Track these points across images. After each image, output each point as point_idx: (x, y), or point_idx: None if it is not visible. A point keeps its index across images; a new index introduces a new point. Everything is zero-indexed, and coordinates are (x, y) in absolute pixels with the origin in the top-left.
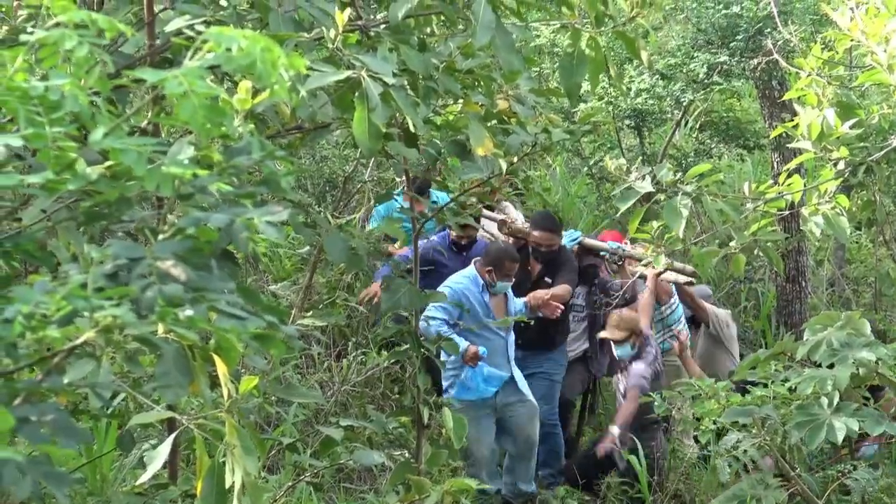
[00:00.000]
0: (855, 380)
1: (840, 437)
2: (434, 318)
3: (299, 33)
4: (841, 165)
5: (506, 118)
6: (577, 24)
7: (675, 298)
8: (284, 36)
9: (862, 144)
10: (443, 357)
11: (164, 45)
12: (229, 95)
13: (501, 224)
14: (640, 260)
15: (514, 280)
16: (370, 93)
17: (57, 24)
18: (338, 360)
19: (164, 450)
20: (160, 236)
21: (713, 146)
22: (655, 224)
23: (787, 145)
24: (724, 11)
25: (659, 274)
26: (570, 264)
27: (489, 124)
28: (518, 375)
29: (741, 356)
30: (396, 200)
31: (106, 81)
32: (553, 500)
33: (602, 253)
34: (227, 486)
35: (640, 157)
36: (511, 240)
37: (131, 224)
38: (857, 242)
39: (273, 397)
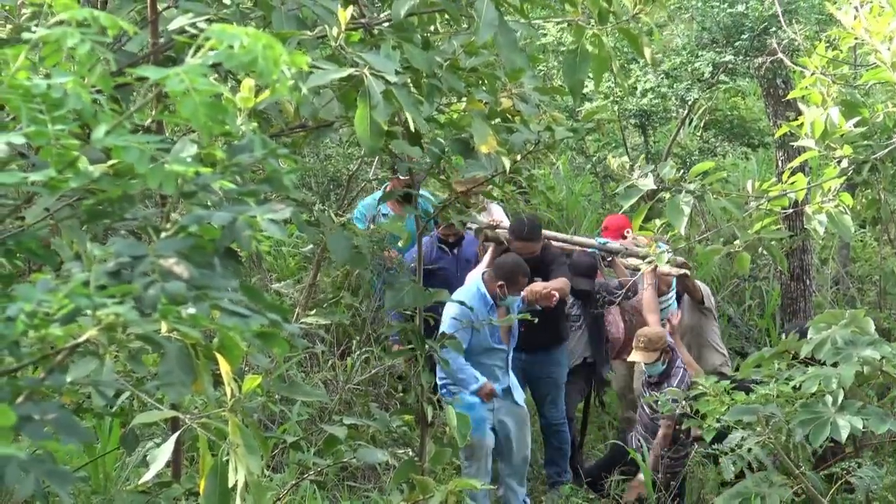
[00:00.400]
0: (859, 378)
1: (844, 436)
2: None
3: (302, 31)
4: (844, 164)
5: (509, 116)
6: (581, 21)
7: (674, 290)
8: (287, 34)
9: (866, 143)
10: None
11: (168, 44)
12: (233, 94)
13: (478, 231)
14: (620, 253)
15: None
16: (372, 90)
17: (59, 22)
18: (342, 358)
19: (167, 448)
20: (163, 234)
21: (718, 145)
22: (658, 222)
23: (792, 144)
24: (728, 10)
25: (655, 269)
26: (558, 260)
27: (493, 122)
28: (514, 383)
29: (745, 354)
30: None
31: (108, 79)
32: (558, 500)
33: (591, 251)
34: (231, 484)
35: (645, 156)
36: (491, 248)
37: (134, 222)
38: (861, 241)
39: (277, 396)
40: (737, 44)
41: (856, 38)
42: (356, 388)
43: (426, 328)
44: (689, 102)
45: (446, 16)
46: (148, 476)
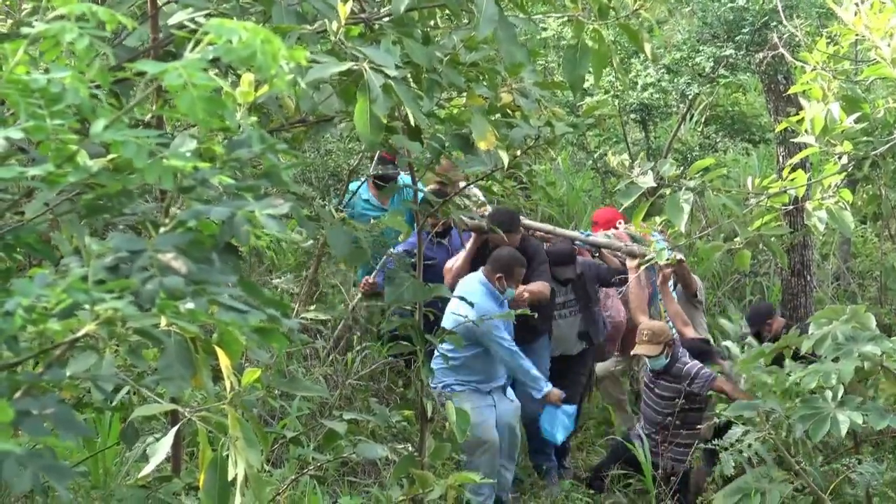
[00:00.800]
0: (859, 373)
1: (844, 431)
2: (505, 339)
3: (302, 26)
4: (845, 160)
5: (509, 111)
6: (581, 16)
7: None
8: (287, 28)
9: (867, 139)
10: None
11: (168, 39)
12: (233, 89)
13: (458, 221)
14: (618, 249)
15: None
16: (372, 85)
17: (58, 17)
18: (343, 353)
19: (167, 442)
20: (161, 229)
21: (718, 140)
22: (658, 219)
23: (793, 140)
24: (729, 5)
25: (640, 265)
26: (538, 257)
27: (493, 118)
28: (506, 382)
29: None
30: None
31: (106, 74)
32: (559, 493)
33: (577, 244)
34: (230, 478)
35: (646, 151)
36: (472, 237)
37: (133, 217)
38: (862, 236)
39: (277, 391)
40: (737, 39)
41: (856, 34)
42: (357, 383)
43: (426, 323)
44: (690, 97)
45: (446, 10)
46: (147, 470)
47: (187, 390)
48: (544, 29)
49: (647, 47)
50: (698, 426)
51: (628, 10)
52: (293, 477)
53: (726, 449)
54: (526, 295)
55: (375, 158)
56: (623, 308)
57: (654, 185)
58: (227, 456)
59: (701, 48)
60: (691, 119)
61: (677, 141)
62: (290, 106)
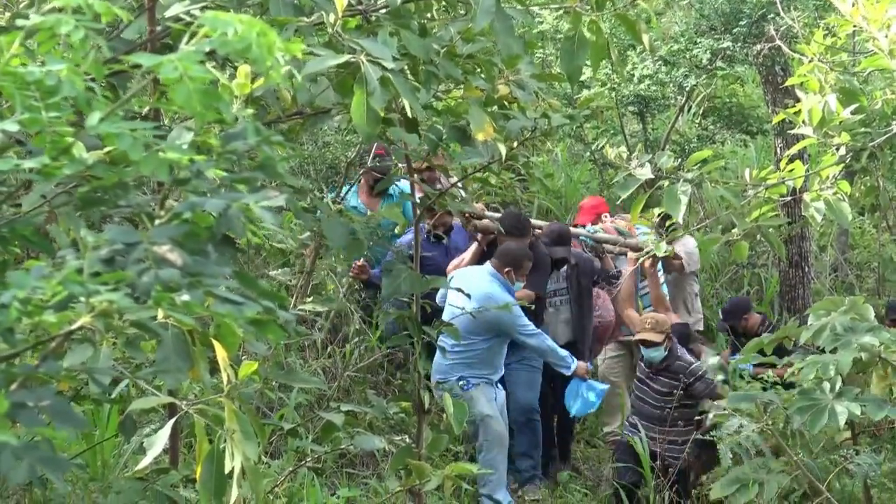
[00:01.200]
0: (857, 365)
1: (842, 422)
2: (539, 334)
3: (299, 18)
4: (842, 151)
5: (506, 103)
6: (579, 7)
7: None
8: (284, 20)
9: (864, 130)
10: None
11: (165, 31)
12: (230, 81)
13: (467, 221)
14: (614, 244)
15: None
16: (369, 77)
17: (54, 9)
18: (341, 345)
19: (164, 435)
20: (157, 221)
21: (716, 132)
22: (657, 210)
23: (790, 131)
24: None
25: (637, 259)
26: (541, 266)
27: (490, 109)
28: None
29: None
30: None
31: (101, 66)
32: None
33: (582, 239)
34: (227, 470)
35: (643, 143)
36: (480, 235)
37: (128, 209)
38: (860, 228)
39: (275, 383)
40: (735, 31)
41: (854, 26)
42: (355, 375)
43: (423, 315)
44: (688, 89)
45: (443, 2)
46: (145, 462)
47: (185, 383)
48: (541, 21)
49: (645, 39)
50: (691, 422)
51: (626, 1)
52: (291, 469)
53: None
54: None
55: (371, 156)
56: (613, 308)
57: (652, 177)
58: (224, 448)
59: (698, 40)
60: (689, 111)
61: (675, 133)
62: (287, 98)
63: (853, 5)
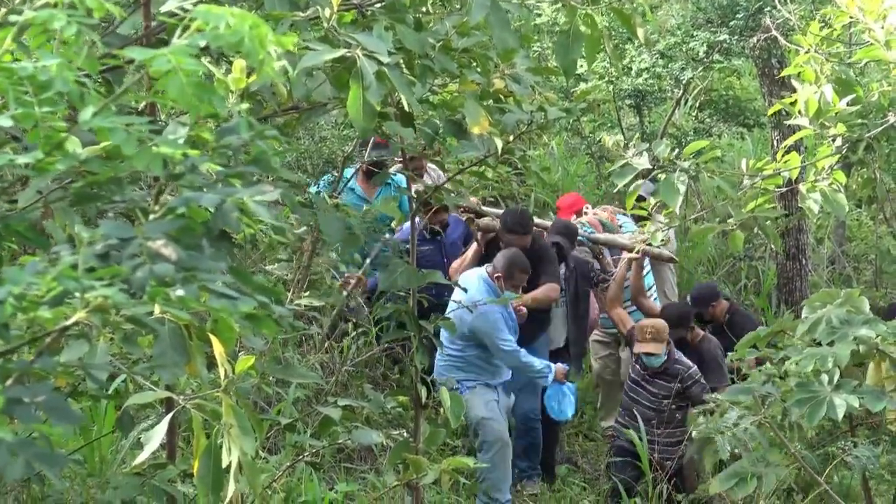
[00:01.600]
0: (855, 357)
1: (840, 414)
2: (516, 351)
3: (294, 12)
4: (838, 142)
5: (502, 97)
6: (574, 1)
7: (648, 267)
8: (279, 15)
9: (860, 121)
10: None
11: (160, 27)
12: (225, 76)
13: (469, 221)
14: (611, 245)
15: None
16: (365, 71)
17: (47, 5)
18: (339, 340)
19: (161, 430)
20: (151, 216)
21: (713, 125)
22: (653, 201)
23: (787, 123)
24: None
25: (632, 259)
26: (548, 257)
27: (486, 103)
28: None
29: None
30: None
31: (94, 61)
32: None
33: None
34: (225, 465)
35: (640, 136)
36: (480, 234)
37: (123, 204)
38: (857, 220)
39: (272, 377)
40: (731, 23)
41: (850, 17)
42: (353, 369)
43: (420, 310)
44: (684, 82)
45: None
46: (142, 457)
47: (182, 378)
48: (537, 15)
49: (641, 32)
50: (684, 422)
51: None
52: (289, 463)
53: (722, 433)
54: (524, 310)
55: (370, 145)
56: (598, 306)
57: (649, 166)
58: (222, 443)
59: (695, 33)
60: (686, 104)
61: (672, 126)
62: (283, 93)
63: None
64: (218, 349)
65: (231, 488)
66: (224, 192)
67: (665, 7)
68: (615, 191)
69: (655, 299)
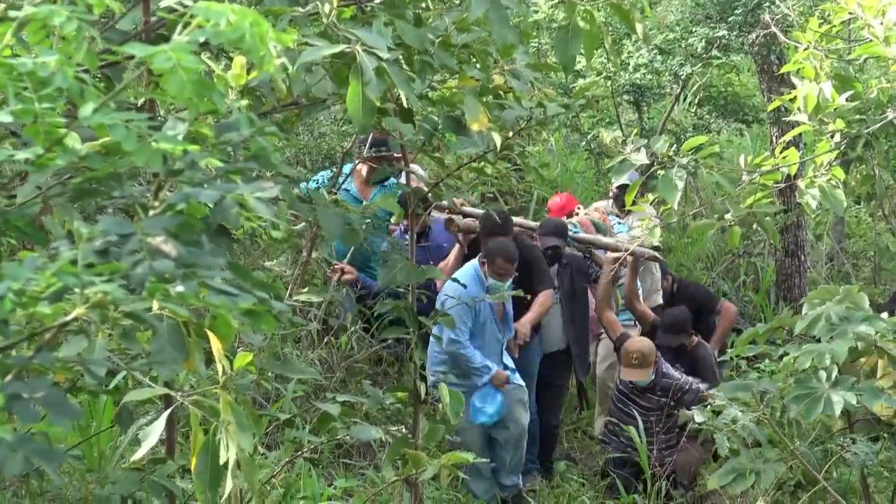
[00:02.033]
0: (853, 354)
1: (838, 411)
2: (458, 342)
3: (294, 8)
4: (837, 138)
5: (501, 93)
6: None
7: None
8: (279, 10)
9: (859, 117)
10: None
11: (160, 22)
12: (225, 72)
13: (448, 222)
14: (595, 245)
15: (508, 281)
16: (364, 67)
17: (46, 0)
18: (338, 336)
19: (160, 426)
20: (151, 212)
21: (712, 121)
22: (651, 196)
23: (786, 119)
24: None
25: (616, 259)
26: (537, 260)
27: (485, 99)
28: (509, 363)
29: (740, 331)
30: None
31: (94, 57)
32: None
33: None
34: (223, 461)
35: (639, 132)
36: (462, 236)
37: (122, 200)
38: (856, 217)
39: (271, 373)
40: (730, 19)
41: (849, 13)
42: (353, 365)
43: (419, 306)
44: (683, 78)
45: None
46: (140, 453)
47: (181, 374)
48: (536, 11)
49: (639, 28)
50: (677, 429)
51: None
52: (288, 459)
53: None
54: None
55: (369, 142)
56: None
57: (647, 162)
58: (220, 440)
59: (694, 29)
60: (684, 100)
61: (670, 122)
62: (283, 89)
63: None
64: (216, 345)
65: (229, 484)
66: (224, 189)
67: (664, 3)
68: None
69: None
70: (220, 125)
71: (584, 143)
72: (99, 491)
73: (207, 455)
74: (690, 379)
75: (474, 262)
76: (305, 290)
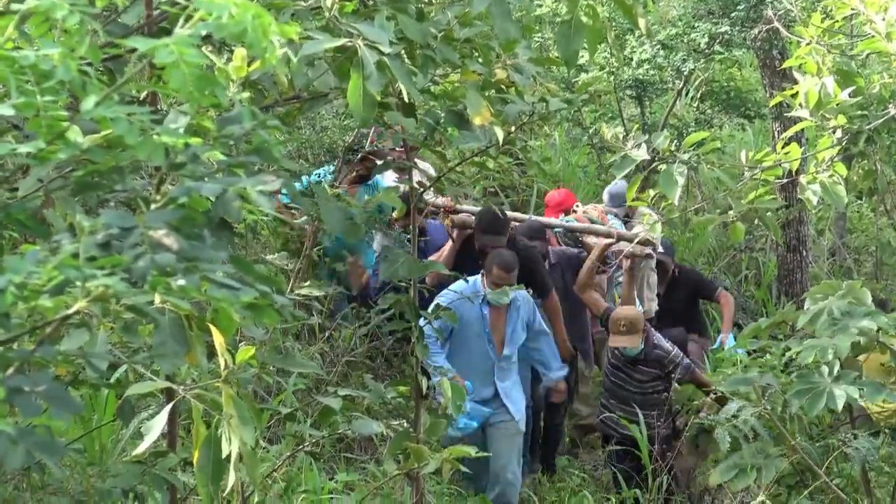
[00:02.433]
0: (855, 349)
1: (840, 405)
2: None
3: (296, 2)
4: (839, 134)
5: (504, 87)
6: None
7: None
8: (281, 4)
9: (861, 113)
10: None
11: (163, 16)
12: (226, 65)
13: (444, 216)
14: (587, 233)
15: (507, 292)
16: (366, 61)
17: None
18: (340, 330)
19: (161, 419)
20: (153, 206)
21: (714, 116)
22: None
23: (787, 114)
24: None
25: (608, 245)
26: (529, 257)
27: (487, 94)
28: (502, 393)
29: (741, 326)
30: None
31: (97, 51)
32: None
33: (556, 231)
34: (224, 455)
35: (641, 127)
36: (456, 232)
37: (124, 194)
38: (858, 212)
39: (272, 367)
40: (733, 14)
41: (851, 8)
42: (353, 359)
43: (421, 300)
44: (686, 73)
45: None
46: (142, 447)
47: (183, 367)
48: (539, 5)
49: (642, 23)
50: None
51: None
52: (289, 453)
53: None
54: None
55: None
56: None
57: (648, 157)
58: (222, 433)
59: (696, 24)
60: (687, 95)
61: (673, 117)
62: (285, 82)
63: None
64: (218, 339)
65: (231, 478)
66: (225, 182)
67: None
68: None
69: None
70: (222, 118)
71: (586, 137)
72: (100, 484)
73: (209, 449)
74: (681, 353)
75: (477, 277)
76: (307, 283)
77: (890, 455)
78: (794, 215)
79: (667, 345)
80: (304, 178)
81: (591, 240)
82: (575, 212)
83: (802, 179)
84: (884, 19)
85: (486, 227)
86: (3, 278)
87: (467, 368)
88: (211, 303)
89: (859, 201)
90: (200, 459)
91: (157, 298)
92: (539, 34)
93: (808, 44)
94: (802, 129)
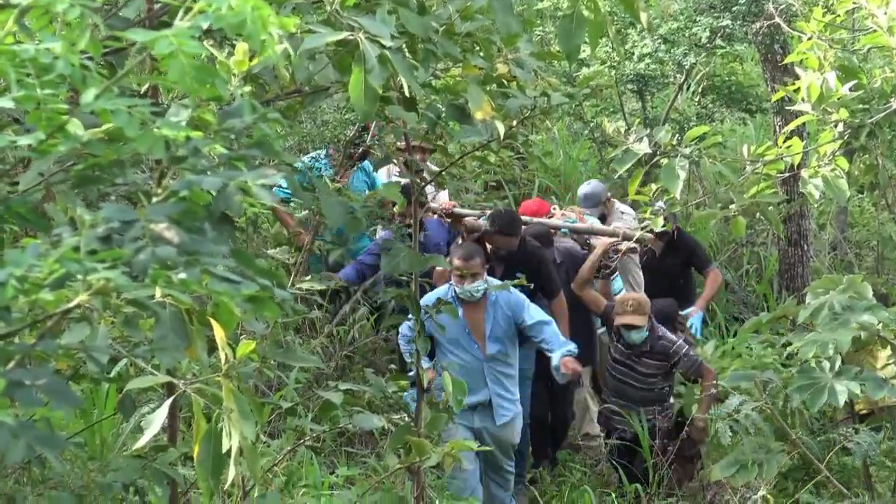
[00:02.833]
0: (856, 343)
1: (841, 400)
2: (405, 336)
3: None
4: (841, 128)
5: (505, 82)
6: None
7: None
8: None
9: (863, 107)
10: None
11: (164, 9)
12: (228, 59)
13: (455, 220)
14: (592, 233)
15: (475, 283)
16: (367, 55)
17: None
18: (341, 324)
19: (162, 413)
20: (154, 199)
21: (715, 110)
22: (654, 186)
23: (789, 109)
24: None
25: (612, 244)
26: (538, 260)
27: (488, 88)
28: (497, 401)
29: (743, 320)
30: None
31: (97, 44)
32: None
33: (563, 231)
34: (225, 449)
35: (642, 121)
36: (466, 235)
37: (125, 187)
38: (859, 206)
39: (273, 361)
40: (734, 9)
41: (853, 3)
42: (353, 354)
43: (422, 293)
44: (687, 68)
45: None
46: (143, 441)
47: (183, 361)
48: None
49: (643, 17)
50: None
51: None
52: (290, 448)
53: (723, 419)
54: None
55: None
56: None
57: (650, 152)
58: (222, 428)
59: (698, 18)
60: (688, 89)
61: (674, 111)
62: (286, 76)
63: None
64: (219, 333)
65: (231, 472)
66: (226, 176)
67: None
68: (616, 176)
69: (621, 289)
70: (223, 112)
71: (587, 132)
72: (101, 478)
73: (210, 443)
74: (686, 345)
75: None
76: (308, 277)
77: (891, 450)
78: (796, 209)
79: (671, 335)
80: (298, 163)
81: (596, 241)
82: (553, 215)
83: (804, 173)
84: (885, 14)
85: (500, 227)
86: (4, 272)
87: (465, 372)
88: (212, 297)
89: (861, 195)
90: (201, 454)
91: (158, 292)
92: (540, 28)
93: (809, 38)
94: (804, 124)
